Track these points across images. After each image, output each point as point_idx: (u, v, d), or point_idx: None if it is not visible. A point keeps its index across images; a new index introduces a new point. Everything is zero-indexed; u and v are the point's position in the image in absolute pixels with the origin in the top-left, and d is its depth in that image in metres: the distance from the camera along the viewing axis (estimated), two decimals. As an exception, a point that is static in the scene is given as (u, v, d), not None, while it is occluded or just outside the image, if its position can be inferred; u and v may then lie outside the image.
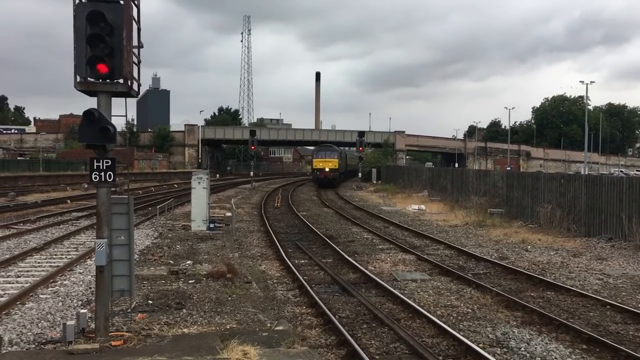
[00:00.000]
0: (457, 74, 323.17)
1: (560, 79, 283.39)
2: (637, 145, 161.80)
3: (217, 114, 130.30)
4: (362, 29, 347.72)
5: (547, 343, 9.30)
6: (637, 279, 14.21)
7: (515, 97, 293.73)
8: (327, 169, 55.69)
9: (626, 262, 16.19)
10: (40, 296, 11.18)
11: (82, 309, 9.62)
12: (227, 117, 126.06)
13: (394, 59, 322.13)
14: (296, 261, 16.31)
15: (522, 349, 9.01)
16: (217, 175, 69.85)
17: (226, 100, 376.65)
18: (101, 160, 7.88)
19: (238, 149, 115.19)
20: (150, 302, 10.87)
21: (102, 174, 7.89)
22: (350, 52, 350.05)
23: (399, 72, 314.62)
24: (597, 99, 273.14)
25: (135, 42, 8.30)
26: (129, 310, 10.02)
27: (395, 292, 12.36)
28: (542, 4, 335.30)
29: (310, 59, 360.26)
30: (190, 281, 12.82)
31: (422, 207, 33.14)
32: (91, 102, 7.97)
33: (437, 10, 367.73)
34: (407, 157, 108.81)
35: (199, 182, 21.50)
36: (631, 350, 8.76)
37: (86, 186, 43.12)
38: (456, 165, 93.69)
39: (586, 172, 65.19)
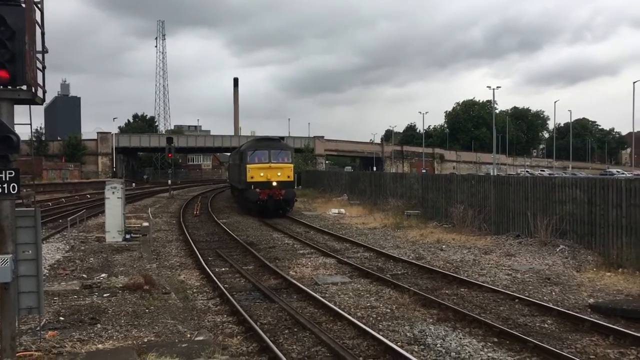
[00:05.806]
0: (380, 79, 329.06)
1: (477, 84, 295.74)
2: (541, 146, 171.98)
3: (131, 121, 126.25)
4: (290, 35, 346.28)
5: (461, 338, 9.69)
6: (542, 273, 15.09)
7: (434, 102, 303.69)
8: (274, 183, 31.10)
9: (532, 257, 17.14)
10: (-62, 318, 10.41)
11: (-15, 329, 9.04)
12: (142, 124, 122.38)
13: (320, 65, 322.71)
14: (217, 269, 16.10)
15: (438, 345, 9.34)
16: (133, 184, 67.53)
17: (145, 107, 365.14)
18: (4, 172, 7.47)
19: (155, 157, 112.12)
20: (61, 318, 10.41)
21: (5, 185, 7.47)
22: (277, 58, 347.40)
23: (325, 77, 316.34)
24: (509, 103, 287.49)
25: (39, 47, 7.94)
26: (38, 329, 9.53)
27: (317, 296, 12.48)
28: (465, 10, 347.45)
29: (235, 64, 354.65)
30: (105, 295, 12.37)
31: (342, 210, 33.62)
32: (-9, 110, 7.53)
33: (366, 16, 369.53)
34: (327, 161, 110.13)
35: (114, 192, 20.87)
36: (538, 340, 9.29)
37: (-11, 199, 40.59)
38: (374, 168, 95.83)
39: (495, 173, 68.54)
